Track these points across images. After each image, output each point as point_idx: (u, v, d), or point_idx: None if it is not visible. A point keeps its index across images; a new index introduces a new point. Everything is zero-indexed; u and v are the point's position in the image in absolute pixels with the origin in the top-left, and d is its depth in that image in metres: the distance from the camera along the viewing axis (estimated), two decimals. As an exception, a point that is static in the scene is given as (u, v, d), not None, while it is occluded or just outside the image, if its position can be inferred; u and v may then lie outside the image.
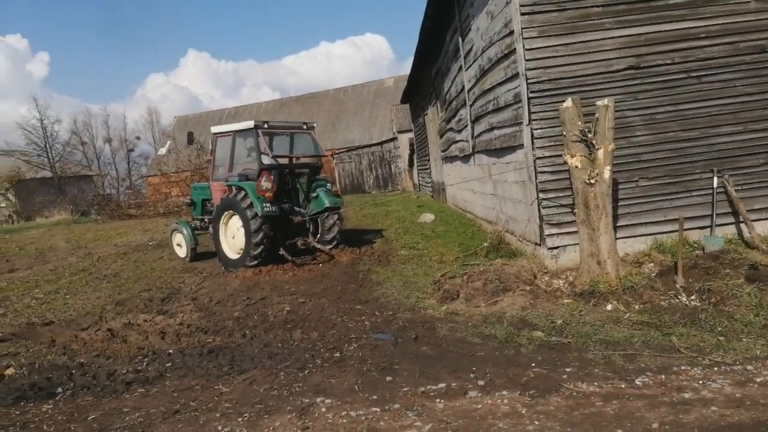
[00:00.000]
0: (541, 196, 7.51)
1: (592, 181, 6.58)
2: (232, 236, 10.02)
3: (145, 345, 6.24)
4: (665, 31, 7.44)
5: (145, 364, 5.68)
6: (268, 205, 9.43)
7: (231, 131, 10.48)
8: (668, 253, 7.07)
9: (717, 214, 7.42)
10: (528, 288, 6.85)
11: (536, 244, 7.90)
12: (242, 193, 9.59)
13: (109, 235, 17.77)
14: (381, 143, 33.13)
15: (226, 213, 10.01)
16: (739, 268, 6.17)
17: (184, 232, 11.12)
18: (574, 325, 5.76)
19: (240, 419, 4.20)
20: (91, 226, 22.31)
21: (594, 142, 6.59)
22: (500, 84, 8.70)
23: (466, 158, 12.73)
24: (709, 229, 7.42)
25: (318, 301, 7.47)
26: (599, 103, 6.63)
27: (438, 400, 4.26)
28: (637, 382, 4.31)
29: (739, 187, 7.47)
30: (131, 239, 15.84)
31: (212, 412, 4.38)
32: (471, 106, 11.28)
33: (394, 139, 31.92)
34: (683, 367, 4.53)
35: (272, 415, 4.21)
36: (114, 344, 6.33)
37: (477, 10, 9.76)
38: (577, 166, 6.68)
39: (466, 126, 11.91)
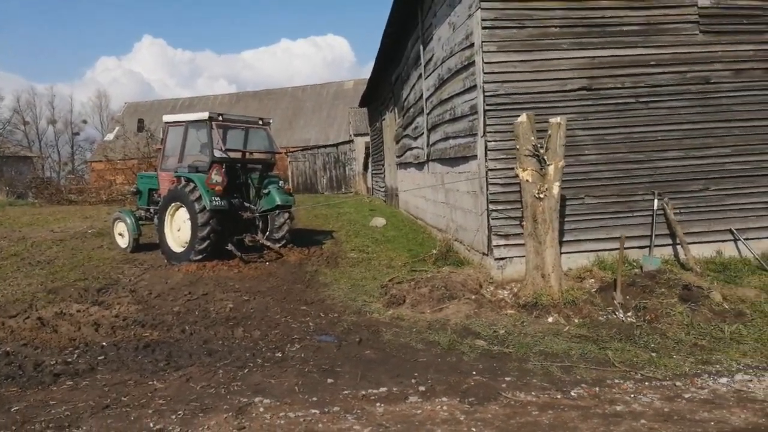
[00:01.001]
0: (491, 207, 7.64)
1: (542, 196, 6.73)
2: (178, 229, 9.75)
3: (77, 336, 5.98)
4: (618, 56, 7.72)
5: (75, 356, 5.44)
6: (217, 199, 9.23)
7: (184, 121, 10.22)
8: (609, 270, 7.30)
9: (656, 235, 7.72)
10: (473, 297, 6.93)
11: (484, 254, 8.02)
12: (191, 185, 9.36)
13: (47, 220, 17.00)
14: (337, 145, 33.01)
15: (173, 204, 9.73)
16: (674, 288, 6.42)
17: (128, 221, 10.75)
18: (516, 335, 5.86)
19: (173, 417, 4.07)
20: (28, 210, 21.30)
21: (545, 157, 6.75)
22: (458, 94, 8.81)
23: (420, 165, 12.83)
24: (648, 248, 7.71)
25: (262, 300, 7.36)
26: (552, 120, 6.80)
27: (378, 404, 4.24)
28: (573, 394, 4.42)
29: (678, 211, 7.80)
30: (70, 225, 15.20)
31: (144, 408, 4.23)
32: (428, 114, 11.38)
33: (350, 142, 31.87)
34: (616, 381, 4.67)
35: (208, 414, 4.10)
36: (43, 334, 6.04)
37: (440, 20, 9.86)
38: (528, 180, 6.82)
39: (423, 134, 12.00)
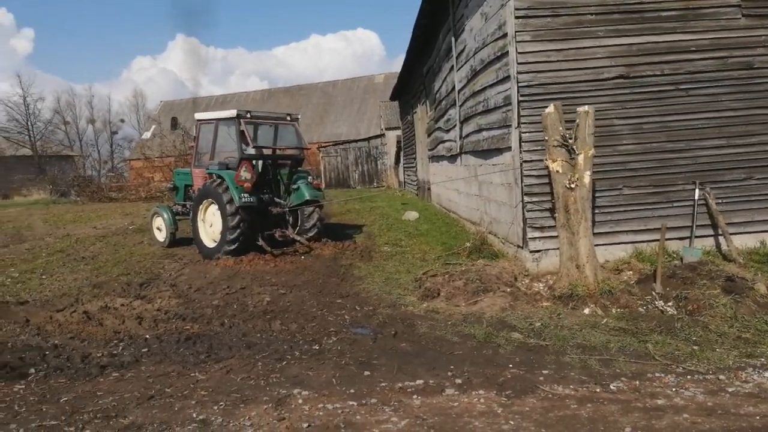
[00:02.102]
0: (526, 199, 7.56)
1: (573, 186, 6.64)
2: (210, 224, 9.95)
3: (122, 329, 6.17)
4: (656, 42, 7.53)
5: (120, 348, 5.62)
6: (246, 195, 9.38)
7: (214, 119, 10.42)
8: (647, 262, 7.16)
9: (697, 226, 7.53)
10: (508, 290, 6.89)
11: (518, 246, 7.95)
12: (221, 182, 9.54)
13: (89, 217, 17.54)
14: (368, 139, 33.09)
15: (204, 201, 9.95)
16: (716, 279, 6.26)
17: (165, 216, 11.03)
18: (552, 328, 5.81)
19: (215, 407, 4.17)
20: (71, 207, 22.00)
21: (575, 147, 6.66)
22: (491, 86, 8.73)
23: (452, 158, 12.77)
24: (688, 240, 7.53)
25: (298, 293, 7.45)
26: (580, 109, 6.71)
27: (415, 397, 4.27)
28: (612, 387, 4.37)
29: (720, 201, 7.59)
30: (111, 222, 15.65)
31: (187, 399, 4.35)
32: (461, 106, 11.31)
33: (381, 136, 31.90)
34: (657, 374, 4.59)
35: (248, 405, 4.19)
36: (89, 327, 6.25)
37: (471, 11, 9.77)
38: (558, 171, 6.75)
39: (455, 126, 11.94)
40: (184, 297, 7.46)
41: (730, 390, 4.23)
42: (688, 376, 4.53)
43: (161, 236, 11.23)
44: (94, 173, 43.42)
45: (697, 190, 7.54)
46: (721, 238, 7.56)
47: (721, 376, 4.49)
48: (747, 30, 7.59)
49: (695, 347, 5.13)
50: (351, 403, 4.18)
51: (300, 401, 4.23)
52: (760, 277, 6.45)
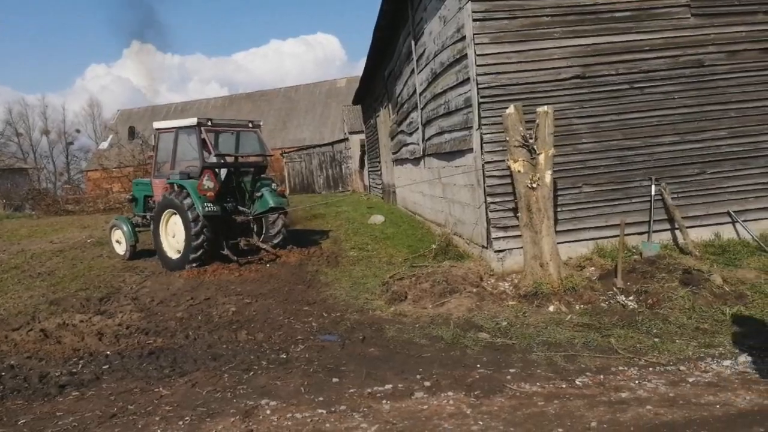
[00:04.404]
0: (489, 200, 7.63)
1: (534, 185, 6.74)
2: (173, 235, 9.75)
3: (81, 346, 5.97)
4: (611, 42, 7.70)
5: (80, 366, 5.44)
6: (209, 204, 9.22)
7: (174, 127, 10.22)
8: (608, 258, 7.31)
9: (654, 221, 7.72)
10: (474, 290, 6.94)
11: (483, 247, 8.02)
12: (183, 192, 9.36)
13: (45, 231, 16.98)
14: (332, 143, 33.02)
15: (166, 211, 9.74)
16: (674, 272, 6.43)
17: (124, 228, 10.75)
18: (518, 326, 5.87)
19: (181, 423, 4.07)
20: (25, 222, 21.27)
21: (535, 147, 6.77)
22: (452, 88, 8.80)
23: (416, 161, 12.82)
24: (646, 234, 7.72)
25: (264, 302, 7.36)
26: (539, 109, 6.82)
27: (384, 402, 4.25)
28: (578, 382, 4.43)
29: (676, 195, 7.80)
30: (68, 236, 15.18)
31: (151, 415, 4.23)
32: (422, 109, 11.37)
33: (345, 140, 31.88)
34: (621, 368, 4.69)
35: (215, 418, 4.11)
36: (47, 345, 6.03)
37: (430, 14, 9.84)
38: (519, 171, 6.84)
39: (417, 129, 11.99)
40: (146, 310, 7.29)
41: (690, 380, 4.34)
42: (650, 368, 4.63)
43: (121, 249, 10.96)
44: (49, 186, 42.30)
45: (653, 186, 7.74)
46: (677, 232, 7.77)
47: (682, 367, 4.61)
48: (696, 29, 7.83)
49: (656, 339, 5.25)
50: (320, 411, 4.14)
51: (268, 412, 4.17)
52: (715, 268, 6.65)
